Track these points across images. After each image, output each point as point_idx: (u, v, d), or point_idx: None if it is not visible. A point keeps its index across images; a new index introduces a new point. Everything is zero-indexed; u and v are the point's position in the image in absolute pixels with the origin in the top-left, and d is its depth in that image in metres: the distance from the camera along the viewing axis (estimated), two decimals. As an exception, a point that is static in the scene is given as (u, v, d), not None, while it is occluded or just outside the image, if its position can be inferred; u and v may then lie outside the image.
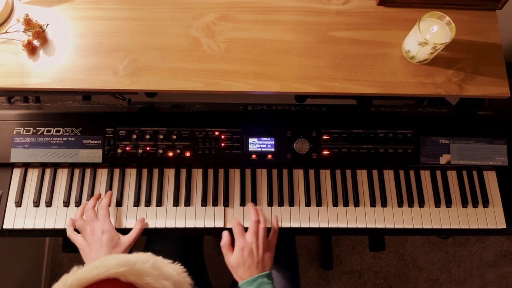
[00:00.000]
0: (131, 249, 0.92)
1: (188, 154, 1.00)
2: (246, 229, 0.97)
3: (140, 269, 0.48)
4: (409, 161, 1.03)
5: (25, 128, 0.99)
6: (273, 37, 0.91)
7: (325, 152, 1.02)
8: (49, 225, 0.97)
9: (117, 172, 1.02)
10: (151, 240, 1.13)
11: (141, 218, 0.97)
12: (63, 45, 0.89)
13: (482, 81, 0.90)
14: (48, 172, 1.01)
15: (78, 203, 0.99)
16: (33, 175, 1.01)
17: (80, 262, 0.61)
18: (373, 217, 1.01)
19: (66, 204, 0.99)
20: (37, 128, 0.99)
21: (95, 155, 0.99)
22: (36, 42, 0.88)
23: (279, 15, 0.93)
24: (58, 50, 0.88)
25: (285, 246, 1.12)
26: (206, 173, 1.02)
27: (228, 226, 0.98)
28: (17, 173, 1.00)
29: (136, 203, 0.99)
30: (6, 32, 0.89)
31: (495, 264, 1.84)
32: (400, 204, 1.02)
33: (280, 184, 1.02)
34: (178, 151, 1.00)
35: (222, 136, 1.01)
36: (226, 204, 1.00)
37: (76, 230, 0.93)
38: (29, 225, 0.97)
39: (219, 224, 0.98)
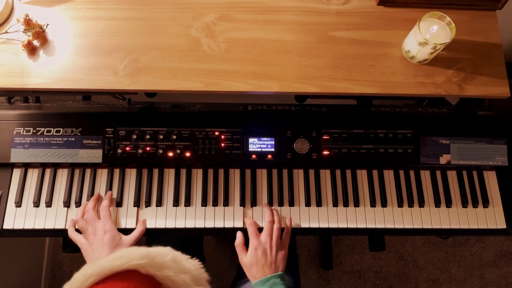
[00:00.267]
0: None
1: (188, 154, 1.00)
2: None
3: (160, 262, 0.49)
4: (409, 161, 1.03)
5: (25, 128, 0.99)
6: (273, 37, 0.91)
7: (325, 152, 1.02)
8: (49, 225, 0.97)
9: (117, 172, 1.02)
10: (151, 240, 1.13)
11: (143, 220, 0.97)
12: (63, 45, 0.89)
13: (482, 81, 0.90)
14: (48, 172, 1.01)
15: (78, 203, 0.99)
16: (33, 175, 1.01)
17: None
18: (373, 217, 1.01)
19: (66, 204, 0.99)
20: (37, 128, 0.99)
21: (95, 155, 0.99)
22: (36, 42, 0.88)
23: (279, 15, 0.93)
24: (58, 50, 0.88)
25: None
26: (206, 173, 1.02)
27: (235, 225, 0.98)
28: (17, 173, 1.00)
29: (136, 203, 0.99)
30: (6, 32, 0.89)
31: (495, 264, 1.84)
32: (400, 204, 1.02)
33: (280, 184, 1.02)
34: (178, 151, 1.00)
35: (222, 136, 1.01)
36: (226, 204, 1.00)
37: (78, 231, 0.94)
38: (29, 225, 0.97)
39: (219, 224, 0.98)
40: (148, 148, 1.00)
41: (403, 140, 1.03)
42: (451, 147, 1.03)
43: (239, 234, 0.95)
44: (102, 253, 0.87)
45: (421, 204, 1.02)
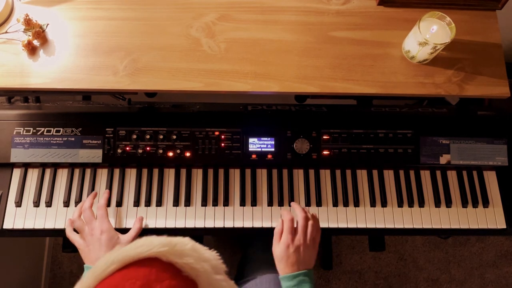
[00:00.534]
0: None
1: (188, 154, 1.00)
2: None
3: (181, 250, 0.49)
4: (409, 161, 1.03)
5: (25, 128, 0.99)
6: (273, 37, 0.91)
7: (325, 152, 1.02)
8: (49, 225, 0.97)
9: (117, 172, 1.02)
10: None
11: (140, 217, 0.96)
12: (63, 45, 0.89)
13: (482, 81, 0.90)
14: (48, 172, 1.01)
15: (78, 203, 0.99)
16: (33, 175, 1.01)
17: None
18: (373, 217, 1.01)
19: (66, 204, 0.99)
20: (37, 128, 0.99)
21: (95, 155, 0.99)
22: (36, 42, 0.88)
23: (279, 15, 0.93)
24: (58, 50, 0.88)
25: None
26: (206, 173, 1.02)
27: (235, 225, 0.98)
28: (17, 173, 1.00)
29: (136, 203, 0.99)
30: (6, 32, 0.89)
31: (495, 264, 1.84)
32: (400, 204, 1.02)
33: (280, 184, 1.02)
34: (178, 151, 1.00)
35: (222, 136, 1.01)
36: (226, 204, 1.00)
37: (75, 231, 0.93)
38: (29, 225, 0.97)
39: (219, 224, 0.98)
40: (148, 148, 1.00)
41: (403, 140, 1.03)
42: (451, 147, 1.03)
43: (279, 223, 0.93)
44: (100, 253, 0.87)
45: (421, 204, 1.02)
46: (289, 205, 1.01)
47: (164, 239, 0.50)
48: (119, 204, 0.99)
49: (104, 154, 0.99)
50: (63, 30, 0.90)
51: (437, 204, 1.02)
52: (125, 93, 1.09)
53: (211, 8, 0.93)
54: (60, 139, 0.99)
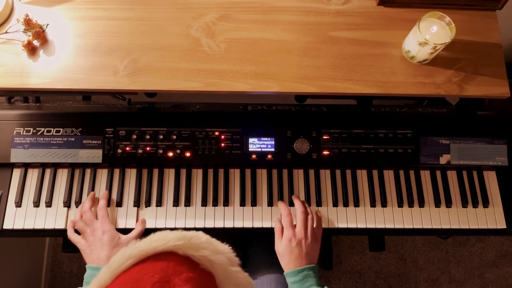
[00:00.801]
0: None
1: (188, 154, 1.00)
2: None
3: (196, 243, 0.49)
4: (409, 161, 1.03)
5: (25, 128, 0.99)
6: (273, 37, 0.91)
7: (325, 152, 1.02)
8: (49, 225, 0.97)
9: (117, 172, 1.02)
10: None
11: (143, 219, 0.97)
12: (63, 45, 0.89)
13: (482, 81, 0.90)
14: (48, 172, 1.01)
15: (78, 203, 0.99)
16: (33, 175, 1.01)
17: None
18: (373, 217, 1.01)
19: (66, 204, 0.99)
20: (37, 128, 0.99)
21: (95, 155, 0.99)
22: (36, 42, 0.88)
23: (279, 15, 0.93)
24: (58, 50, 0.88)
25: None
26: (206, 173, 1.02)
27: (235, 225, 0.98)
28: (17, 173, 1.00)
29: (136, 203, 0.99)
30: (6, 32, 0.89)
31: (495, 264, 1.84)
32: (400, 204, 1.02)
33: (280, 184, 1.02)
34: (178, 151, 1.00)
35: (222, 136, 1.01)
36: (226, 204, 1.00)
37: (77, 232, 0.94)
38: (29, 225, 0.97)
39: (219, 224, 0.98)
40: (148, 148, 1.00)
41: (403, 140, 1.03)
42: (451, 147, 1.03)
43: (277, 222, 0.95)
44: (101, 254, 0.87)
45: (421, 204, 1.02)
46: (289, 205, 1.00)
47: (179, 233, 0.50)
48: (119, 204, 0.99)
49: (104, 154, 0.99)
50: (63, 30, 0.90)
51: (437, 204, 1.02)
52: (125, 93, 1.09)
53: (211, 8, 0.93)
54: (60, 139, 0.99)
